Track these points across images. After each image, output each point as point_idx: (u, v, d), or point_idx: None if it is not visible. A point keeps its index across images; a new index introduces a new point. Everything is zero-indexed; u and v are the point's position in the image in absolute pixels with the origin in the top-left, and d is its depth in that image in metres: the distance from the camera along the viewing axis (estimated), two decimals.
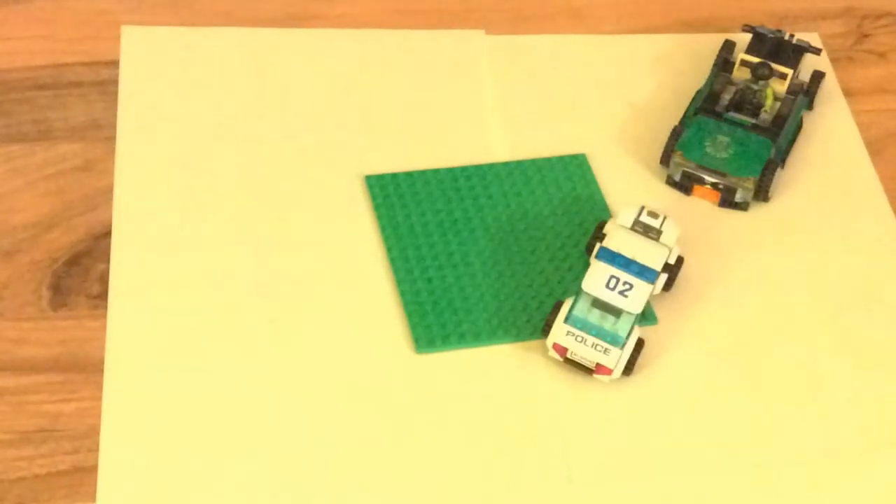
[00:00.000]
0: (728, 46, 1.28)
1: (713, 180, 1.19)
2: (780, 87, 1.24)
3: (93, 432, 1.04)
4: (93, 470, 1.02)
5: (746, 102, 1.22)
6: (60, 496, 1.01)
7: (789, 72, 1.24)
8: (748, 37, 1.30)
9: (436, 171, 1.21)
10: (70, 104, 1.23)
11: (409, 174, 1.20)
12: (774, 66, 1.24)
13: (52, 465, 1.03)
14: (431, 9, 1.34)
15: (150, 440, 1.04)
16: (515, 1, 1.36)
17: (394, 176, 1.20)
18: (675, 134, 1.20)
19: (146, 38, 1.28)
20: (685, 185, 1.20)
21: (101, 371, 1.07)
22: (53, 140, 1.21)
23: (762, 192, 1.19)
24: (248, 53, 1.28)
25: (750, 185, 1.19)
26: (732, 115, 1.22)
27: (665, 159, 1.20)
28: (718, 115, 1.21)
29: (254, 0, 1.33)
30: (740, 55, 1.24)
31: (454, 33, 1.32)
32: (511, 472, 1.04)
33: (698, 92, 1.25)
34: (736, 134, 1.20)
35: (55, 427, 1.04)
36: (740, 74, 1.24)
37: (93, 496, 1.01)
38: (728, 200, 1.20)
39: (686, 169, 1.19)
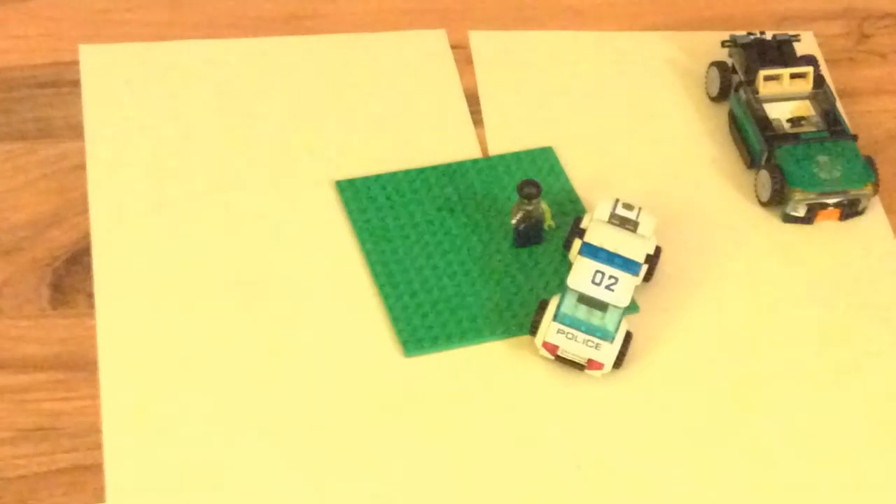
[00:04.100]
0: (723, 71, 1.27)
1: (837, 200, 1.19)
2: (806, 85, 1.24)
3: (92, 430, 1.04)
4: (92, 468, 1.03)
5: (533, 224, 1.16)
6: (59, 494, 1.02)
7: (809, 70, 1.23)
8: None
9: (406, 173, 1.21)
10: (71, 102, 1.24)
11: (378, 177, 1.20)
12: (792, 69, 1.23)
13: (51, 463, 1.03)
14: (429, 7, 1.34)
15: (152, 435, 1.04)
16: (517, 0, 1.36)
17: (364, 179, 1.20)
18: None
19: (106, 56, 1.27)
20: (809, 216, 1.19)
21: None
22: (54, 138, 1.22)
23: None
24: (216, 65, 1.28)
25: (869, 190, 1.19)
26: (805, 130, 1.21)
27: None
28: (795, 138, 1.20)
29: None
30: (761, 71, 1.23)
31: (417, 34, 1.32)
32: (518, 471, 1.05)
33: None
34: (826, 148, 1.19)
35: (54, 425, 1.05)
36: (767, 90, 1.23)
37: (92, 494, 1.01)
38: (850, 213, 1.20)
39: (809, 202, 1.18)
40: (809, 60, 1.25)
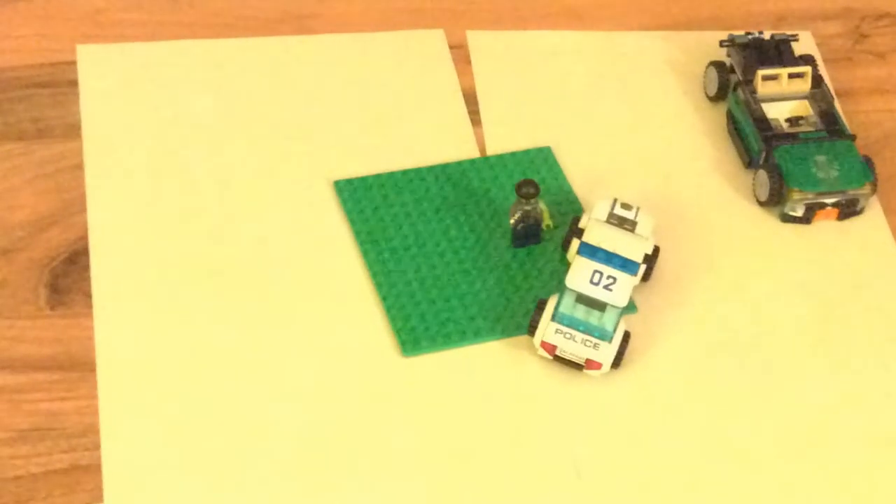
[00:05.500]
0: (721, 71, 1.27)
1: (835, 200, 1.19)
2: (804, 85, 1.24)
3: (90, 431, 1.04)
4: (90, 469, 1.03)
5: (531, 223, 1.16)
6: (57, 494, 1.02)
7: (807, 69, 1.24)
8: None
9: (404, 172, 1.21)
10: (68, 102, 1.24)
11: (377, 176, 1.20)
12: (790, 69, 1.23)
13: (49, 464, 1.03)
14: (428, 7, 1.34)
15: (150, 436, 1.04)
16: (516, 0, 1.36)
17: (363, 179, 1.20)
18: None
19: (103, 56, 1.27)
20: (808, 216, 1.19)
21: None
22: (52, 138, 1.21)
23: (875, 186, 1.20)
24: (213, 64, 1.28)
25: (867, 190, 1.19)
26: (804, 130, 1.21)
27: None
28: (793, 138, 1.20)
29: None
30: (759, 71, 1.23)
31: (415, 34, 1.32)
32: (517, 471, 1.05)
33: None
34: (824, 148, 1.20)
35: (52, 425, 1.05)
36: (766, 90, 1.23)
37: (90, 494, 1.01)
38: (848, 212, 1.20)
39: (807, 202, 1.18)
40: (807, 60, 1.25)
